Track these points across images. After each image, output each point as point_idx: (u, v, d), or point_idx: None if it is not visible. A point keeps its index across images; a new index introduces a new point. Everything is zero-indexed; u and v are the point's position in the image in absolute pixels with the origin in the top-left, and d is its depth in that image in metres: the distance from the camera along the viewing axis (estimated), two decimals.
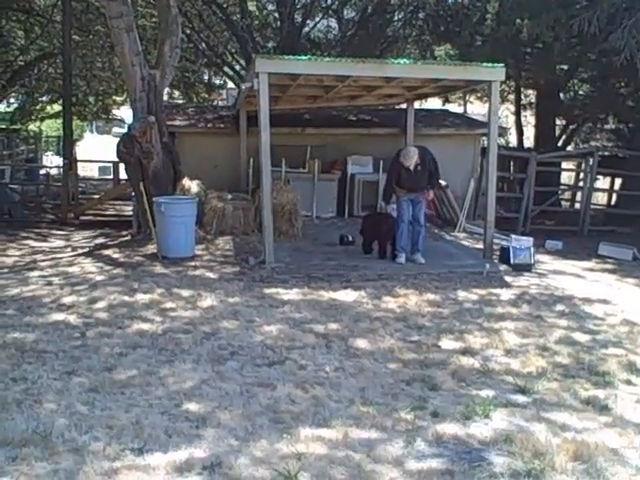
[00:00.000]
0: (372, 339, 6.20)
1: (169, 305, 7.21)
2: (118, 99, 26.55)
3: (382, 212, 10.28)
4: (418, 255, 9.48)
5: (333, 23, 22.67)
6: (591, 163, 14.69)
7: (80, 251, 10.90)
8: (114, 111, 28.82)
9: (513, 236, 10.46)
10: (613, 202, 16.98)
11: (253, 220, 11.43)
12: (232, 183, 13.16)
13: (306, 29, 21.49)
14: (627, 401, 4.87)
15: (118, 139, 12.07)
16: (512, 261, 9.55)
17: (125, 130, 12.40)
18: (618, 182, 16.98)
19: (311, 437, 4.16)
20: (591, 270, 10.26)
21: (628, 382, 5.27)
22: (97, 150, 26.69)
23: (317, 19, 22.11)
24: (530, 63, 18.05)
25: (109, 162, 16.95)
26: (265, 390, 4.92)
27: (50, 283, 8.37)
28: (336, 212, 13.66)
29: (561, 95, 20.16)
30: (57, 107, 25.37)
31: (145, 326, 6.45)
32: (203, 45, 21.91)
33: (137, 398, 4.72)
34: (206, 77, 26.01)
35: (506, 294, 8.12)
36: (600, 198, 17.84)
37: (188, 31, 19.88)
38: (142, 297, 7.50)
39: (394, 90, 12.45)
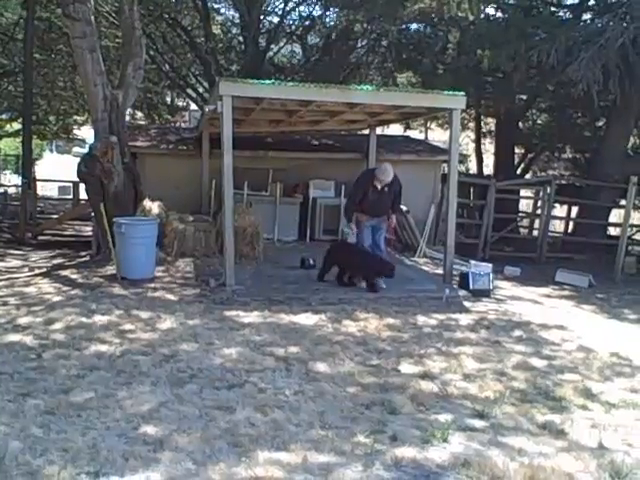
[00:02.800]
0: (332, 363, 6.19)
1: (128, 327, 7.13)
2: (79, 119, 26.34)
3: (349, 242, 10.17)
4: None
5: (297, 48, 22.89)
6: (549, 191, 14.95)
7: (37, 271, 10.74)
8: (75, 131, 28.55)
9: (472, 262, 10.59)
10: (570, 230, 17.28)
11: (214, 242, 11.40)
12: (194, 205, 13.14)
13: (270, 53, 21.63)
14: (583, 426, 4.92)
15: (79, 159, 11.96)
16: (471, 287, 9.65)
17: (86, 150, 12.30)
18: (575, 210, 17.29)
19: (270, 461, 4.13)
20: (548, 296, 10.41)
21: (584, 407, 5.33)
22: (57, 170, 26.42)
23: (281, 44, 22.29)
24: (490, 92, 18.38)
25: (69, 182, 16.81)
26: (224, 413, 4.87)
27: (6, 303, 8.22)
28: (298, 236, 13.69)
29: (520, 124, 20.58)
30: (17, 125, 25.08)
31: (103, 348, 6.36)
32: (167, 67, 21.91)
33: (94, 421, 4.64)
34: (169, 99, 25.99)
35: (465, 319, 8.19)
36: (557, 226, 18.14)
37: (152, 52, 19.86)
38: (100, 318, 7.40)
39: (357, 116, 12.58)
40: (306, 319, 7.76)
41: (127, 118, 15.40)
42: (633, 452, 4.51)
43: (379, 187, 9.34)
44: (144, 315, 7.62)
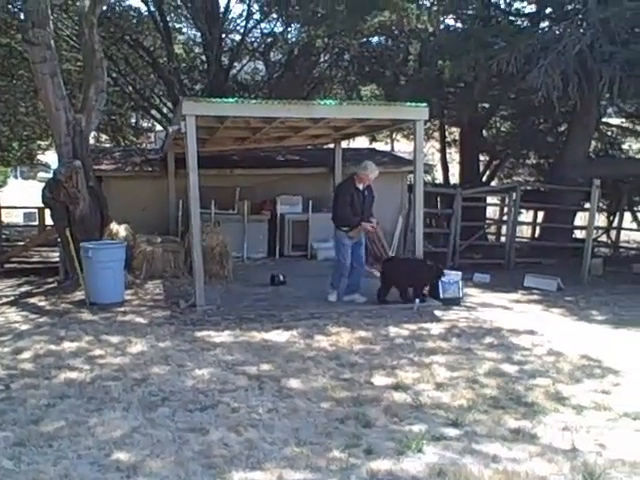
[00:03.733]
0: (305, 379, 6.18)
1: (98, 352, 7.05)
2: (43, 144, 26.05)
3: (407, 256, 10.16)
4: (357, 295, 9.55)
5: (260, 65, 22.93)
6: (514, 197, 15.11)
7: (4, 300, 10.59)
8: (39, 156, 28.24)
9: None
10: (537, 235, 17.46)
11: (183, 263, 11.36)
12: (161, 226, 13.08)
13: (233, 71, 21.64)
14: (555, 429, 4.97)
15: (43, 184, 11.85)
16: (441, 295, 9.70)
17: (50, 175, 12.19)
18: (541, 215, 17.49)
19: None
20: (518, 302, 10.51)
21: (555, 410, 5.38)
22: (22, 196, 26.10)
23: (244, 61, 22.31)
24: (453, 102, 18.55)
25: (34, 208, 16.60)
26: (197, 435, 4.85)
27: None
28: (267, 252, 13.68)
29: (484, 132, 20.78)
30: None
31: (73, 375, 6.28)
32: (130, 88, 21.79)
33: (65, 450, 4.59)
34: (134, 120, 25.86)
35: (436, 328, 8.23)
36: (525, 231, 18.32)
37: (114, 74, 19.77)
38: (69, 345, 7.32)
39: (321, 130, 12.63)
40: (278, 336, 7.75)
41: (91, 141, 15.34)
42: (605, 453, 4.56)
43: (361, 187, 9.37)
44: (114, 340, 7.55)
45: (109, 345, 7.33)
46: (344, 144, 15.61)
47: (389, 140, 30.04)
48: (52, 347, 7.27)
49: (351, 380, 6.16)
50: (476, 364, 6.67)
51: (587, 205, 14.31)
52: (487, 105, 19.17)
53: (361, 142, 22.18)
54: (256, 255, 13.43)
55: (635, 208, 17.97)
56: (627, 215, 17.40)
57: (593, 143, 17.81)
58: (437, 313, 9.10)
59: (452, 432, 4.92)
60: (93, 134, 17.98)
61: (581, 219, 17.05)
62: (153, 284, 10.79)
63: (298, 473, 4.23)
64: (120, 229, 11.33)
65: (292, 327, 8.13)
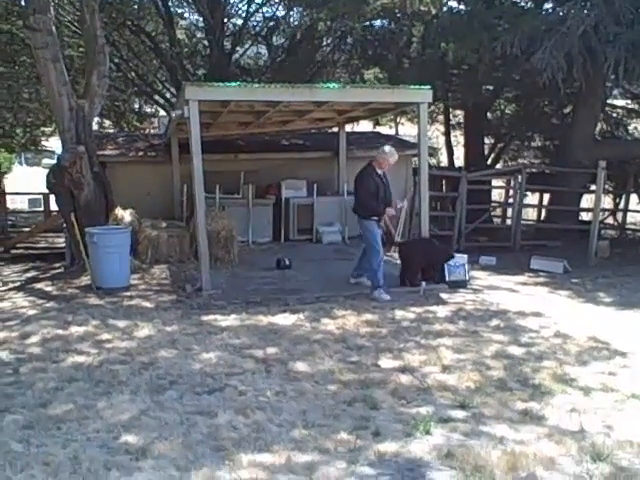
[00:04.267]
0: (312, 362, 6.19)
1: (105, 336, 7.07)
2: (47, 130, 26.04)
3: (422, 237, 10.04)
4: (364, 278, 9.53)
5: (263, 49, 22.81)
6: (520, 180, 15.04)
7: (11, 285, 10.61)
8: (43, 142, 28.23)
9: None
10: (543, 217, 17.40)
11: (189, 247, 11.36)
12: (166, 211, 13.08)
13: (236, 56, 21.55)
14: (562, 411, 4.98)
15: (48, 170, 11.85)
16: (447, 278, 9.69)
17: (55, 161, 12.18)
18: (547, 197, 17.42)
19: (253, 463, 4.14)
20: (524, 284, 10.49)
21: (563, 392, 5.38)
22: (27, 182, 26.10)
23: (246, 46, 22.20)
24: (457, 84, 18.46)
25: (39, 194, 16.62)
26: (205, 418, 4.86)
27: None
28: (272, 237, 13.67)
29: (488, 114, 20.67)
30: None
31: (80, 359, 6.30)
32: (132, 74, 21.72)
33: (74, 433, 4.60)
34: (137, 105, 25.79)
35: (442, 311, 8.23)
36: (530, 213, 18.25)
37: (116, 60, 19.71)
38: (77, 330, 7.34)
39: (325, 114, 12.59)
40: (284, 319, 7.76)
41: (95, 127, 15.30)
42: (613, 434, 4.57)
43: (382, 172, 9.14)
44: (121, 324, 7.57)
45: (116, 329, 7.35)
46: (348, 128, 15.58)
47: (393, 124, 29.89)
48: (59, 331, 7.29)
49: (358, 363, 6.17)
50: (483, 346, 6.67)
51: (593, 187, 14.24)
52: (491, 87, 19.05)
53: (365, 126, 22.12)
54: (261, 239, 13.42)
55: None
56: (633, 197, 17.32)
57: (599, 125, 17.70)
58: (443, 296, 9.09)
59: (459, 414, 4.93)
60: (96, 120, 17.97)
61: (587, 201, 17.00)
62: (159, 269, 10.80)
63: (306, 455, 4.25)
64: (125, 214, 11.33)
65: (298, 310, 8.14)
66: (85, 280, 10.05)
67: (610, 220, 17.87)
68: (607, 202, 17.85)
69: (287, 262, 10.83)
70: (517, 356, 6.37)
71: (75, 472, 4.02)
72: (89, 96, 11.42)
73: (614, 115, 19.55)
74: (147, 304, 8.67)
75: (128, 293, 9.29)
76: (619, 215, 17.43)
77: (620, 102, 20.17)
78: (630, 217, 17.44)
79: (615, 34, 12.08)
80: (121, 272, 9.70)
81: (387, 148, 9.32)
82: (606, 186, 15.58)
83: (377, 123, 23.17)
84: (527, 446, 4.36)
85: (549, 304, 8.89)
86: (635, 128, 20.35)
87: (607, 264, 12.59)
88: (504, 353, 6.46)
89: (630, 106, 19.85)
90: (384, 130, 24.18)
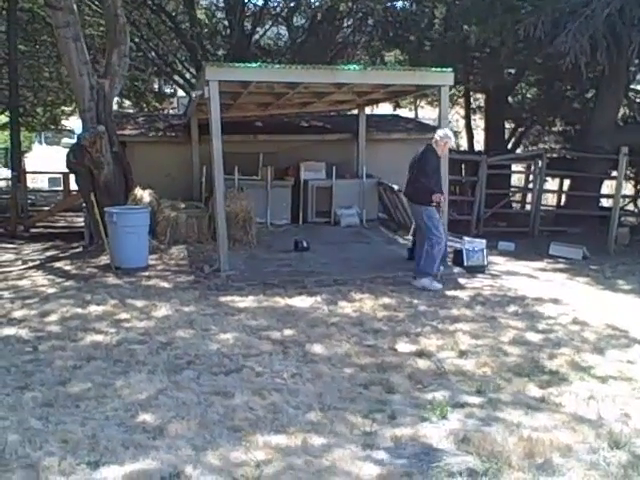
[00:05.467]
0: (328, 344, 6.20)
1: (123, 316, 7.11)
2: (67, 109, 26.14)
3: None
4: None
5: (283, 30, 22.71)
6: (540, 165, 14.94)
7: (30, 264, 10.69)
8: (63, 121, 28.35)
9: (466, 238, 10.56)
10: (562, 203, 17.29)
11: (207, 228, 11.37)
12: (185, 192, 13.10)
13: (256, 36, 21.47)
14: (580, 398, 4.95)
15: (68, 150, 11.90)
16: (465, 263, 9.65)
17: (75, 140, 12.23)
18: (567, 183, 17.29)
19: (269, 444, 4.15)
20: (543, 270, 10.43)
21: (580, 379, 5.36)
22: (47, 161, 26.28)
23: (267, 26, 22.13)
24: (478, 67, 18.30)
25: (59, 173, 16.71)
26: (222, 399, 4.88)
27: (0, 297, 8.20)
28: (290, 219, 13.65)
29: (509, 98, 20.50)
30: (4, 118, 24.88)
31: (99, 338, 6.35)
32: (152, 54, 21.72)
33: (92, 411, 4.65)
34: (156, 86, 25.81)
35: (460, 296, 8.20)
36: (550, 199, 18.14)
37: (137, 40, 19.70)
38: (95, 309, 7.39)
39: (345, 96, 12.52)
40: (301, 302, 7.77)
41: (115, 107, 15.32)
42: (631, 422, 4.54)
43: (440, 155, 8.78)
44: (139, 304, 7.61)
45: (134, 309, 7.40)
46: (368, 110, 15.50)
47: (413, 107, 29.73)
48: (78, 310, 7.35)
49: (375, 346, 6.17)
50: (500, 332, 6.65)
51: (614, 173, 14.11)
52: (513, 71, 18.90)
53: (385, 108, 22.00)
54: (279, 221, 13.41)
55: None
56: None
57: (621, 110, 17.49)
58: (461, 281, 9.06)
59: (476, 399, 4.92)
60: (116, 99, 17.98)
61: (608, 187, 16.85)
62: (177, 249, 10.83)
63: (322, 438, 4.26)
64: (144, 194, 11.36)
65: (316, 293, 8.14)
66: (104, 260, 10.11)
67: (631, 207, 17.73)
68: (628, 189, 17.69)
69: (305, 244, 10.83)
70: (534, 342, 6.34)
71: (93, 450, 4.05)
72: (109, 75, 11.45)
73: (637, 100, 19.31)
74: (165, 284, 8.70)
75: (146, 273, 9.33)
76: None
77: None
78: None
79: None
80: (140, 252, 9.74)
81: (446, 130, 8.99)
82: (627, 172, 15.41)
83: (397, 106, 23.05)
84: (544, 433, 4.34)
85: (567, 291, 8.84)
86: None
87: (627, 251, 12.51)
88: (521, 339, 6.43)
89: None
90: (404, 113, 24.04)
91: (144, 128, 14.87)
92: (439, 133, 8.85)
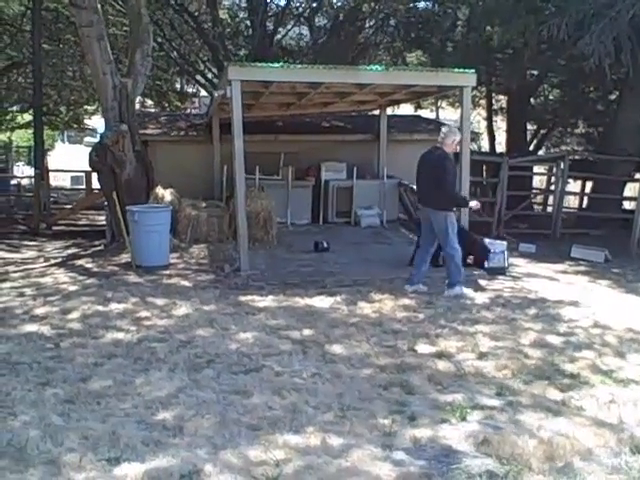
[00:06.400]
0: (348, 344, 6.19)
1: (144, 314, 7.16)
2: (90, 108, 26.35)
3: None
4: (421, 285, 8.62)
5: (305, 30, 22.75)
6: (562, 167, 14.83)
7: (52, 261, 10.80)
8: (86, 120, 28.59)
9: (487, 240, 10.51)
10: (584, 205, 17.15)
11: (228, 227, 11.42)
12: (206, 191, 13.16)
13: (278, 36, 21.54)
14: (601, 402, 4.90)
15: (90, 148, 11.99)
16: (486, 265, 9.61)
17: (97, 139, 12.33)
18: (589, 185, 17.15)
19: (289, 444, 4.14)
20: (564, 272, 10.36)
21: (602, 383, 5.31)
22: (69, 160, 26.48)
23: (289, 27, 22.17)
24: (501, 69, 18.21)
25: (81, 172, 16.85)
26: (242, 398, 4.89)
27: (22, 294, 8.27)
28: (311, 219, 13.67)
29: (532, 100, 20.40)
30: (28, 117, 25.13)
31: (120, 335, 6.39)
32: (175, 53, 21.84)
33: (113, 408, 4.67)
34: (178, 85, 25.94)
35: (480, 298, 8.16)
36: (572, 201, 17.99)
37: (160, 39, 19.81)
38: (116, 306, 7.44)
39: (366, 96, 12.51)
40: (321, 302, 7.77)
41: (137, 106, 15.42)
42: None
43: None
44: (160, 302, 7.66)
45: (155, 307, 7.45)
46: (389, 111, 15.47)
47: (434, 107, 29.66)
48: (99, 308, 7.41)
49: (394, 347, 6.15)
50: (520, 334, 6.61)
51: (637, 175, 13.99)
52: (536, 72, 18.78)
53: (406, 109, 21.96)
54: (300, 221, 13.43)
55: None
56: None
57: None
58: (482, 282, 9.02)
59: (496, 402, 4.89)
60: (139, 99, 18.10)
61: (631, 190, 16.69)
62: (198, 248, 10.88)
63: (341, 438, 4.24)
64: (166, 193, 11.43)
65: (335, 293, 8.14)
66: (125, 258, 10.18)
67: None
68: None
69: (325, 245, 10.84)
70: (555, 345, 6.29)
71: (114, 446, 4.07)
72: (132, 75, 11.53)
73: None
74: (186, 283, 8.75)
75: (167, 272, 9.39)
76: None
77: None
78: None
79: None
80: (161, 251, 9.80)
81: (451, 128, 8.67)
82: None
83: (418, 106, 23.00)
84: (564, 436, 4.30)
85: (589, 293, 8.78)
86: None
87: None
88: (542, 342, 6.38)
89: None
90: (425, 114, 23.98)
91: (166, 127, 14.96)
92: (444, 132, 8.38)
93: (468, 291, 8.30)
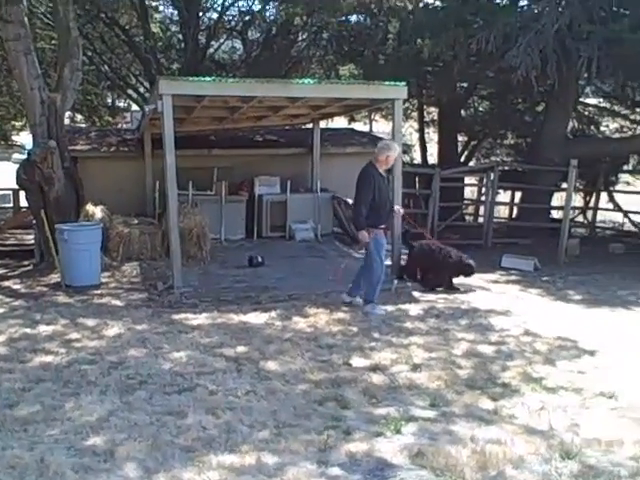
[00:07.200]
0: (283, 361, 6.18)
1: (74, 336, 6.99)
2: (17, 124, 25.71)
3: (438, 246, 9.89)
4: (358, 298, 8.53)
5: (238, 44, 22.69)
6: (492, 178, 15.13)
7: None
8: (13, 137, 27.88)
9: None
10: (514, 215, 17.53)
11: (160, 245, 11.28)
12: (138, 207, 12.99)
13: (211, 50, 21.42)
14: (531, 409, 5.01)
15: (18, 165, 11.70)
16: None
17: (25, 156, 12.03)
18: (518, 195, 17.54)
19: (223, 464, 4.11)
20: (495, 282, 10.55)
21: (532, 390, 5.42)
22: None
23: (221, 40, 22.08)
24: (431, 81, 18.50)
25: (8, 189, 16.37)
26: (175, 418, 4.82)
27: None
28: (245, 234, 13.61)
29: (462, 112, 20.76)
30: None
31: (48, 359, 6.23)
32: (106, 67, 21.51)
33: (41, 435, 4.54)
34: (110, 100, 25.55)
35: (414, 309, 8.25)
36: (502, 211, 18.38)
37: (90, 53, 19.48)
38: (45, 329, 7.25)
39: (299, 110, 12.55)
40: (256, 318, 7.73)
41: (66, 121, 15.13)
42: (582, 432, 4.60)
43: (382, 171, 8.17)
44: (90, 323, 7.50)
45: (85, 328, 7.28)
46: (322, 124, 15.56)
47: (367, 120, 29.92)
48: (27, 330, 7.20)
49: (329, 362, 6.16)
50: (453, 345, 6.71)
51: (564, 185, 14.35)
52: (466, 84, 19.14)
53: (340, 122, 22.11)
54: (234, 236, 13.36)
55: (611, 188, 18.06)
56: (604, 195, 17.49)
57: (571, 123, 17.85)
58: (415, 294, 9.12)
59: (430, 413, 4.94)
60: (68, 114, 17.77)
61: (558, 199, 17.12)
62: (130, 266, 10.71)
63: (276, 456, 4.22)
64: (96, 210, 11.24)
65: (270, 309, 8.11)
66: (54, 278, 9.94)
67: (580, 218, 18.07)
68: (577, 200, 18.00)
69: (260, 259, 10.80)
70: (487, 355, 6.40)
71: (42, 475, 3.96)
72: (61, 90, 11.30)
73: (586, 113, 19.73)
74: (117, 302, 8.60)
75: (98, 291, 9.21)
76: (589, 213, 17.60)
77: (592, 100, 20.34)
78: (600, 215, 17.63)
79: (589, 32, 12.19)
80: (91, 270, 9.61)
81: (388, 143, 8.55)
82: (577, 184, 15.69)
83: (352, 119, 23.18)
84: (497, 445, 4.37)
85: (520, 302, 8.96)
86: (607, 126, 20.56)
87: (577, 262, 12.72)
88: (474, 351, 6.49)
89: (602, 104, 20.03)
90: (358, 127, 24.17)
91: (96, 143, 14.72)
92: (379, 146, 8.37)
93: (379, 311, 8.07)
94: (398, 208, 8.87)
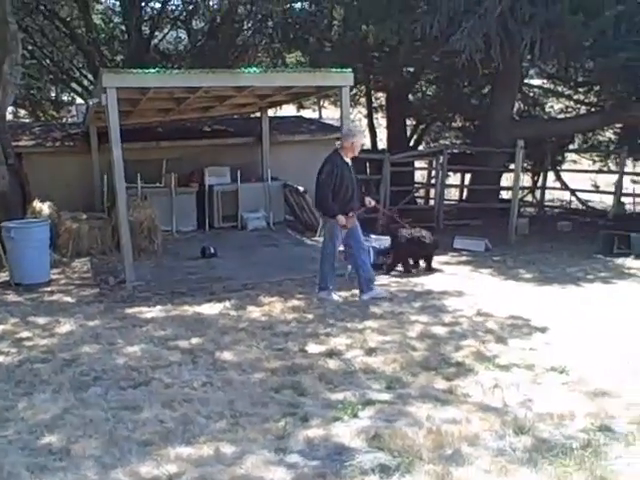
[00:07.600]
0: (238, 350, 6.15)
1: (25, 334, 6.87)
2: None
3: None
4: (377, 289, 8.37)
5: (182, 34, 22.47)
6: (441, 161, 15.28)
7: None
8: None
9: (373, 236, 10.70)
10: (465, 197, 17.73)
11: (111, 239, 11.16)
12: (86, 202, 12.82)
13: (155, 41, 21.17)
14: (485, 387, 5.07)
15: None
16: (372, 260, 9.75)
17: None
18: (468, 177, 17.75)
19: (181, 457, 4.08)
20: (447, 264, 10.66)
21: (486, 369, 5.49)
22: None
23: (166, 30, 21.83)
24: (378, 67, 18.56)
25: None
26: (131, 413, 4.77)
27: None
28: (196, 225, 13.53)
29: (410, 96, 20.89)
30: None
31: None
32: (47, 61, 21.11)
33: None
34: (53, 94, 25.08)
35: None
36: (453, 194, 18.57)
37: (30, 47, 19.11)
38: None
39: (247, 99, 12.50)
40: (210, 309, 7.70)
41: (9, 117, 14.83)
42: (534, 407, 4.68)
43: (348, 160, 7.99)
44: (41, 320, 7.37)
45: (36, 326, 7.16)
46: (271, 112, 15.50)
47: (316, 107, 29.90)
48: None
49: (285, 349, 6.16)
50: (407, 327, 6.76)
51: (512, 166, 14.57)
52: (412, 69, 19.24)
53: (288, 110, 22.05)
54: (185, 228, 13.28)
55: (558, 167, 18.41)
56: (551, 174, 17.79)
57: (516, 104, 18.10)
58: None
59: (386, 396, 4.97)
60: (10, 109, 17.41)
61: (507, 180, 17.39)
62: (80, 262, 10.57)
63: (234, 446, 4.21)
64: (43, 207, 11.06)
65: (224, 299, 8.07)
66: (3, 276, 9.76)
67: (529, 198, 18.37)
68: (526, 180, 18.32)
69: (212, 250, 10.75)
70: (441, 336, 6.47)
71: None
72: (1, 85, 11.06)
73: (531, 95, 20.03)
74: (68, 299, 8.48)
75: (48, 288, 9.07)
76: (537, 193, 17.91)
77: (537, 82, 20.66)
78: (548, 194, 17.94)
79: (531, 14, 12.34)
80: (41, 267, 9.45)
81: (352, 129, 8.48)
82: (524, 165, 15.97)
83: (300, 107, 23.14)
84: (453, 424, 4.42)
85: (472, 283, 9.08)
86: (551, 107, 20.90)
87: (527, 241, 12.95)
88: (428, 333, 6.55)
89: (546, 85, 20.35)
90: (307, 114, 24.15)
91: (41, 138, 14.46)
92: (344, 133, 8.35)
93: (334, 297, 8.08)
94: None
